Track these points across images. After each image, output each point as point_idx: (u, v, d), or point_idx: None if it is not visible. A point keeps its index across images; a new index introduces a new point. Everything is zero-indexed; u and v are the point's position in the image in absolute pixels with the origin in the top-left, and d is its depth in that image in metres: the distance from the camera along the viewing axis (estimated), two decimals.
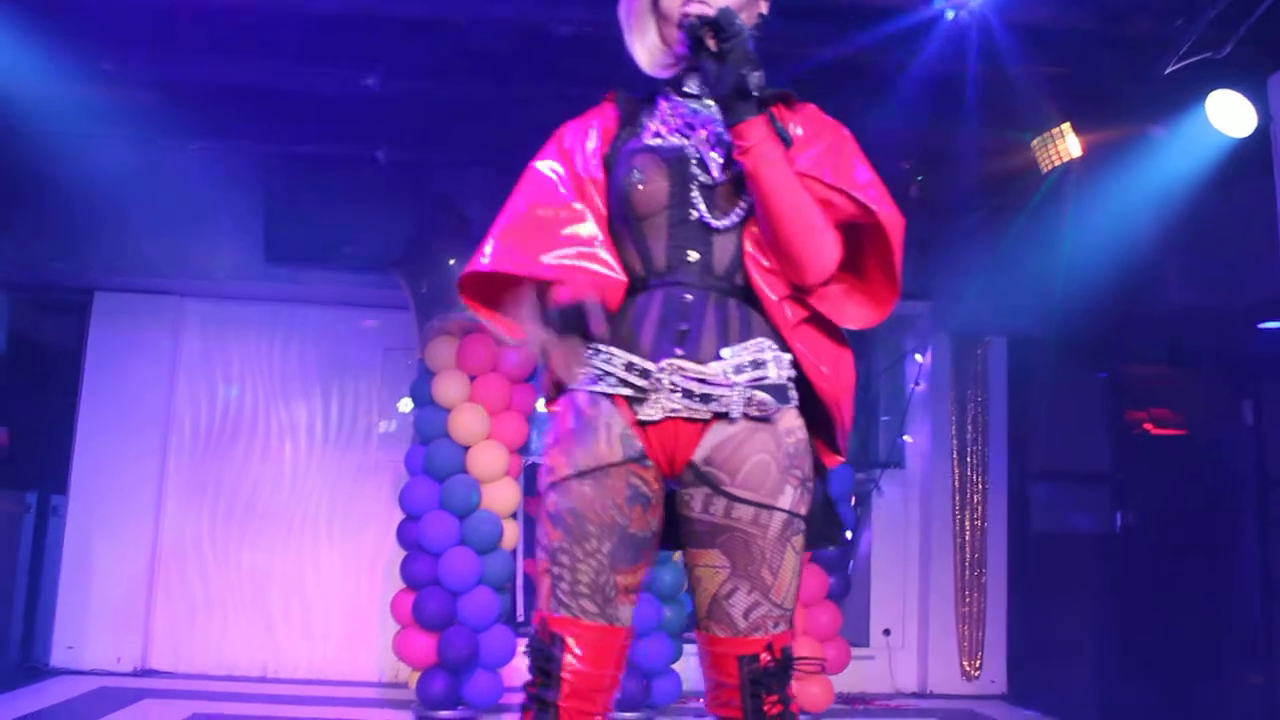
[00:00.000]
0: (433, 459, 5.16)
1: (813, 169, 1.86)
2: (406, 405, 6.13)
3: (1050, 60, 4.43)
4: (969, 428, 6.40)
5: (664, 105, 1.98)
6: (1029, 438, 6.58)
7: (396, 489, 5.50)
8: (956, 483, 6.36)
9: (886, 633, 6.45)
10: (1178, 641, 5.34)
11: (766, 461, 1.81)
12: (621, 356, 1.84)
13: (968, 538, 6.33)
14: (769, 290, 1.86)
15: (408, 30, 4.50)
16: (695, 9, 1.85)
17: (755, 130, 1.79)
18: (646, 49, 1.98)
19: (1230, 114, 4.45)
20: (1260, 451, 5.48)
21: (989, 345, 6.48)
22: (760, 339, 1.86)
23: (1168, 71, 4.27)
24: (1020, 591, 6.43)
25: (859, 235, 1.89)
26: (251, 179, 5.73)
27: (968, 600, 6.34)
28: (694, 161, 1.89)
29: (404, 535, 5.20)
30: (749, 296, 1.87)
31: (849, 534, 5.99)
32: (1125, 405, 6.87)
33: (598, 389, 1.85)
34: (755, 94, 1.77)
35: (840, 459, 1.99)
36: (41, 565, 6.26)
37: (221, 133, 5.39)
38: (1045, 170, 4.91)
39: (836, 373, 1.92)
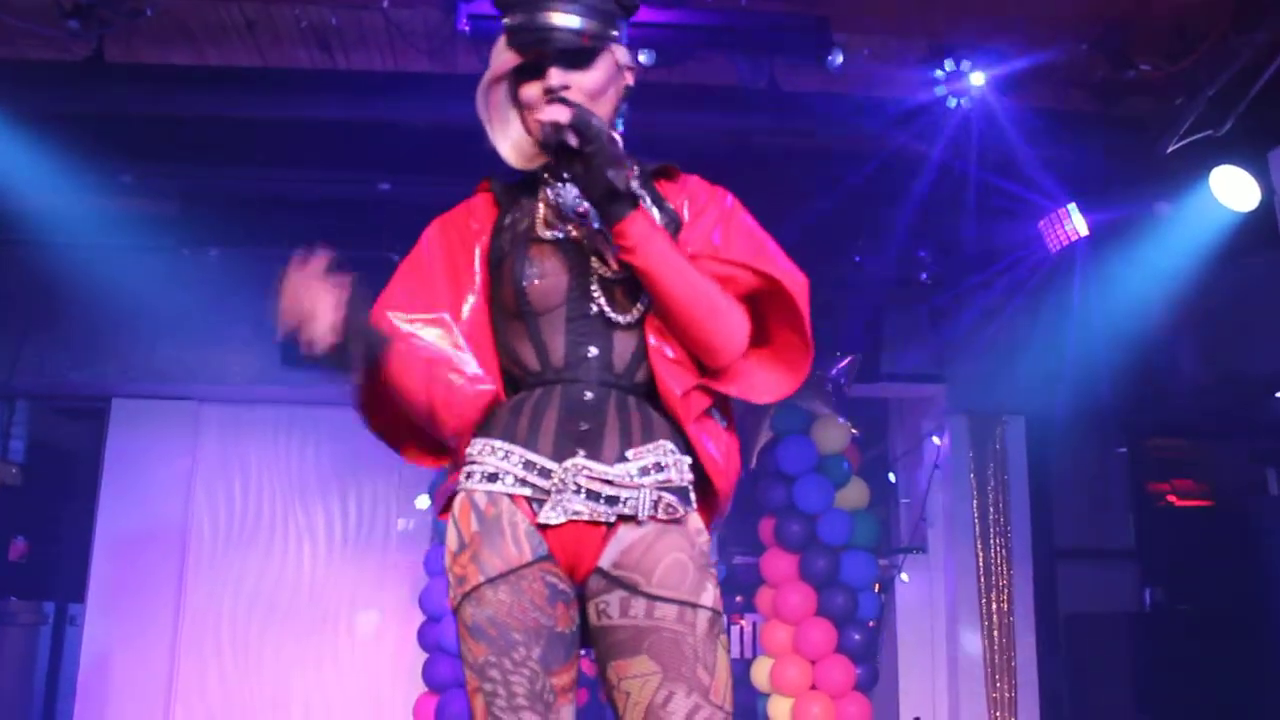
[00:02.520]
0: None
1: (705, 247, 1.79)
2: (424, 502, 6.11)
3: (1053, 142, 4.49)
4: (991, 509, 6.34)
5: (548, 193, 1.84)
6: (1053, 516, 6.51)
7: (417, 589, 5.45)
8: (981, 565, 6.27)
9: None
10: None
11: (683, 560, 1.71)
12: (519, 454, 1.73)
13: (995, 621, 6.23)
14: (674, 384, 1.76)
15: (419, 135, 4.59)
16: (547, 115, 1.72)
17: (635, 227, 1.70)
18: (511, 143, 1.84)
19: (1234, 189, 4.49)
20: None
21: (1006, 425, 6.44)
22: (661, 441, 1.76)
23: (1170, 150, 4.31)
24: (1051, 674, 6.30)
25: (762, 301, 1.82)
26: (267, 284, 5.76)
27: (998, 685, 6.22)
28: (592, 254, 1.79)
29: (425, 637, 5.15)
30: (648, 393, 1.79)
31: (872, 624, 5.89)
32: (1147, 478, 6.84)
33: (495, 488, 1.73)
34: (625, 191, 1.69)
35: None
36: (59, 676, 6.20)
37: (237, 239, 5.47)
38: (1053, 250, 4.94)
39: (729, 464, 1.84)
